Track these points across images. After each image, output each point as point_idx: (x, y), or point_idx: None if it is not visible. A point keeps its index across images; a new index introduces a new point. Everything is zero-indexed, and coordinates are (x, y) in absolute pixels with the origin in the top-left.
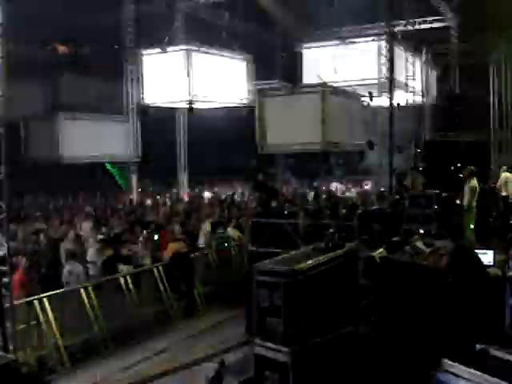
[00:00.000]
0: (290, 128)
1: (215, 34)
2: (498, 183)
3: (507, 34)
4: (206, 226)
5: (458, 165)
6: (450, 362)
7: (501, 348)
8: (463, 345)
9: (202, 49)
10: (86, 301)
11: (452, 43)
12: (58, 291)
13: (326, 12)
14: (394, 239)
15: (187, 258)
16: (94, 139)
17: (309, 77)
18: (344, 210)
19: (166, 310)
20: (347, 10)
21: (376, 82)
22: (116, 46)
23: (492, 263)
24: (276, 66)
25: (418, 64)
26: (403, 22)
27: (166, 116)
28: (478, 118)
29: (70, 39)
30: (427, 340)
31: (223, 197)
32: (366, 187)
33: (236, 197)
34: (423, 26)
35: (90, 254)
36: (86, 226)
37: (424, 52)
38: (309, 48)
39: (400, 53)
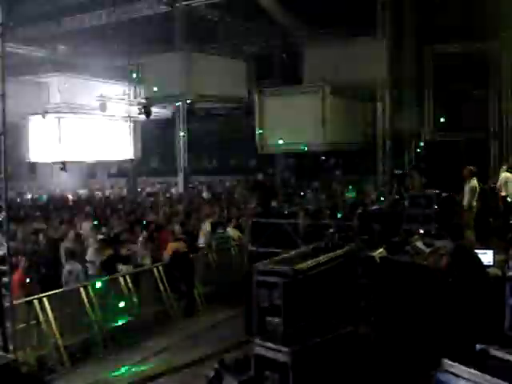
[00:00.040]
0: (289, 128)
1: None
2: (498, 183)
3: (507, 34)
4: (206, 226)
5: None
6: (450, 362)
7: (501, 348)
8: (463, 345)
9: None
10: (85, 301)
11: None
12: (57, 291)
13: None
14: (394, 239)
15: (187, 258)
16: None
17: (309, 77)
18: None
19: (166, 310)
20: None
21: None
22: None
23: (492, 263)
24: (276, 66)
25: None
26: None
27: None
28: (478, 118)
29: None
30: (427, 340)
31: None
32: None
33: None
34: None
35: (90, 253)
36: (85, 226)
37: None
38: (311, 48)
39: None
